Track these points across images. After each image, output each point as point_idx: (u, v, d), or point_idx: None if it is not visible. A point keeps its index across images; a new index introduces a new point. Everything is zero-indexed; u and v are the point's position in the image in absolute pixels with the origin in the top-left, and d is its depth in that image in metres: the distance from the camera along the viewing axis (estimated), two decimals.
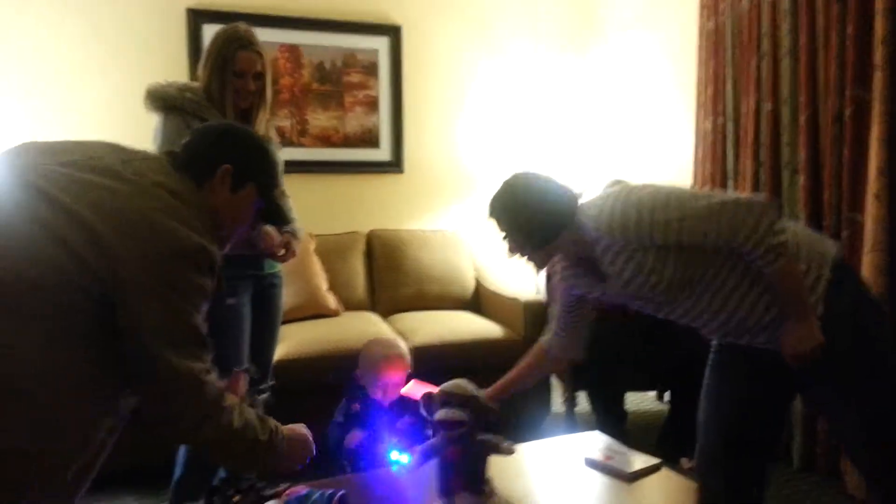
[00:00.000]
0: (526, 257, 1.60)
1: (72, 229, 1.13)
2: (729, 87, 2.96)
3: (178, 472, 2.08)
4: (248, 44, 2.02)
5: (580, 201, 1.58)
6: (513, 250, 1.60)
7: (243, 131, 1.48)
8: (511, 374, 1.86)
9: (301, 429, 1.44)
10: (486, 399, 1.71)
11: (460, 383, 1.43)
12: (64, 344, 1.14)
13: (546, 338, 1.84)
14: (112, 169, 1.21)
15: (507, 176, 1.61)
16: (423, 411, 1.53)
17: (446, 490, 1.40)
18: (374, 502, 1.52)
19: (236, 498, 1.47)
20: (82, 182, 1.18)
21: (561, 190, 1.57)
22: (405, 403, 2.14)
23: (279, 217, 1.49)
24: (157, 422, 1.23)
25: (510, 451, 1.44)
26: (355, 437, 2.04)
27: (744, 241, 1.42)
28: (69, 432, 1.17)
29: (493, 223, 1.61)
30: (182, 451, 2.09)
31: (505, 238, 1.60)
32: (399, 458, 1.71)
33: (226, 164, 1.34)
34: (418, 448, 1.48)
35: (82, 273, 1.13)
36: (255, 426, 1.30)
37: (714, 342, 1.74)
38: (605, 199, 1.51)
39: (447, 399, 1.40)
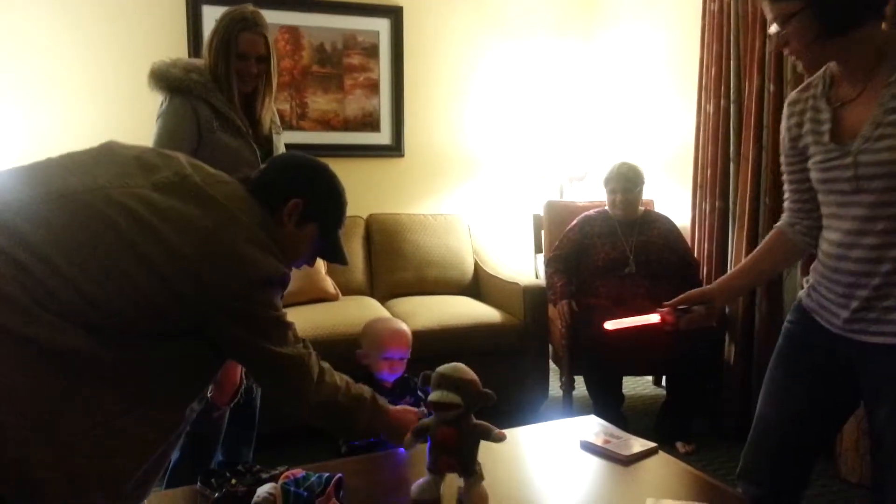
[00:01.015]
0: (800, 51, 1.30)
1: (167, 261, 1.17)
2: (732, 68, 2.93)
3: (174, 456, 2.08)
4: (254, 25, 1.98)
5: None
6: (791, 34, 1.28)
7: (324, 170, 1.49)
8: (743, 263, 1.60)
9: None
10: (707, 295, 1.59)
11: (458, 366, 1.44)
12: (134, 358, 1.18)
13: (782, 221, 1.56)
14: (202, 192, 1.25)
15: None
16: (420, 393, 1.54)
17: (436, 469, 1.43)
18: (370, 485, 1.52)
19: (233, 480, 1.48)
20: (177, 211, 1.20)
21: None
22: (405, 385, 2.15)
23: (337, 258, 1.52)
24: (284, 400, 1.41)
25: (501, 438, 1.44)
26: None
27: None
28: (135, 441, 1.19)
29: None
30: None
31: (789, 19, 1.27)
32: None
33: (298, 198, 1.38)
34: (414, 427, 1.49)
35: (171, 300, 1.18)
36: (353, 384, 1.48)
37: (785, 325, 1.54)
38: None
39: (442, 381, 1.40)
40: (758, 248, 1.61)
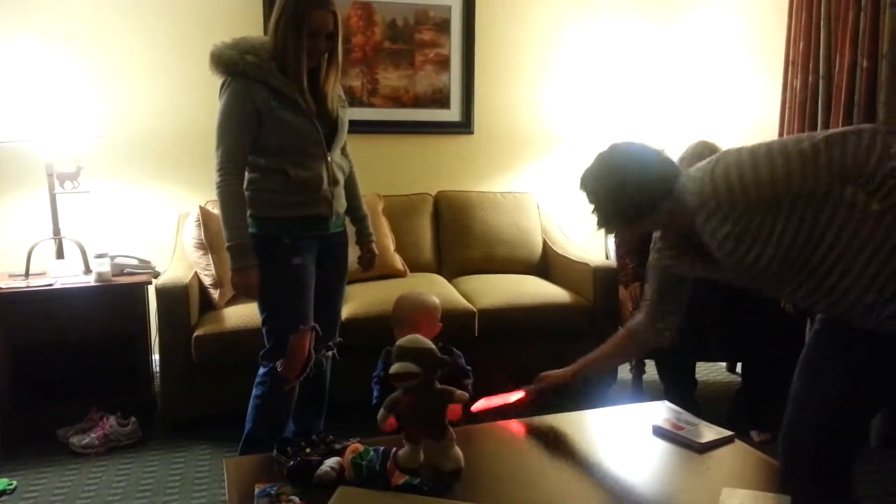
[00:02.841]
0: (616, 232, 1.54)
1: None
2: (822, 41, 2.76)
3: (247, 426, 2.15)
4: (326, 2, 1.97)
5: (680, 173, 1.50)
6: (603, 225, 1.54)
7: None
8: (594, 354, 1.82)
9: None
10: (564, 383, 1.82)
11: (415, 337, 1.50)
12: None
13: (635, 321, 1.76)
14: None
15: (602, 149, 1.57)
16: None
17: (411, 437, 1.50)
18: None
19: (307, 449, 1.52)
20: None
21: (659, 160, 1.49)
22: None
23: None
24: None
25: (464, 398, 1.52)
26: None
27: (861, 167, 1.28)
28: None
29: (584, 195, 1.55)
30: (251, 406, 2.15)
31: (595, 211, 1.54)
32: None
33: None
34: (385, 401, 1.55)
35: None
36: None
37: (814, 327, 1.60)
38: (708, 163, 1.43)
39: (401, 353, 1.46)
40: (608, 343, 1.81)
